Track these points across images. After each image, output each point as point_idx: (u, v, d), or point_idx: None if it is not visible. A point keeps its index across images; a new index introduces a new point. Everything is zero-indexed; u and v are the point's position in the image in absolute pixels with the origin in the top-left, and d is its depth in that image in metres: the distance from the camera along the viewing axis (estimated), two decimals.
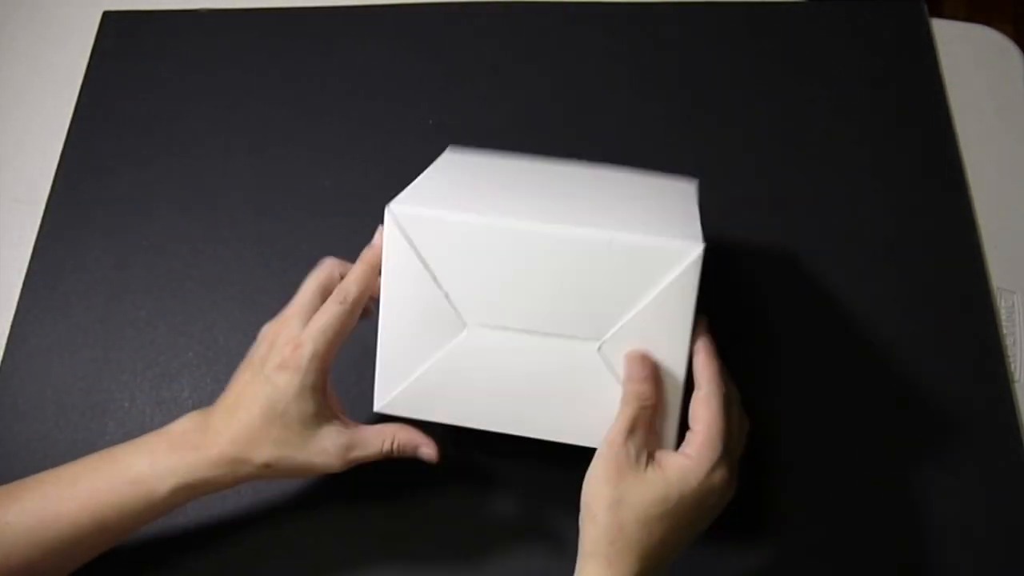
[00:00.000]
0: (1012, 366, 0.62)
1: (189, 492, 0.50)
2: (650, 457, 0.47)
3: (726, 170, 0.69)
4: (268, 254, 0.68)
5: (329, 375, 0.51)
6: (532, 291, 0.48)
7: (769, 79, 0.74)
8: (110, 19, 0.79)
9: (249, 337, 0.64)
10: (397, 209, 0.49)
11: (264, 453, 0.49)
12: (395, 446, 0.52)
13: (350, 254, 0.67)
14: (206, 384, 0.63)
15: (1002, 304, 0.64)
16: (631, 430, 0.47)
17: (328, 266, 0.53)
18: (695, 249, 0.45)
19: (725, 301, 0.64)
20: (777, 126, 0.71)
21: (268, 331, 0.53)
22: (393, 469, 0.54)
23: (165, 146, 0.73)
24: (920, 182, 0.69)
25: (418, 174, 0.71)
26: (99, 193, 0.71)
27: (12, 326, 0.66)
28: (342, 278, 0.52)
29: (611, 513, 0.45)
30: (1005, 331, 0.63)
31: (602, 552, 0.45)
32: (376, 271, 0.51)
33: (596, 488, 0.46)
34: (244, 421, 0.50)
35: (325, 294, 0.52)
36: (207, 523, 0.58)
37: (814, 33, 0.76)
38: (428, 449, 0.52)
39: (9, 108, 0.77)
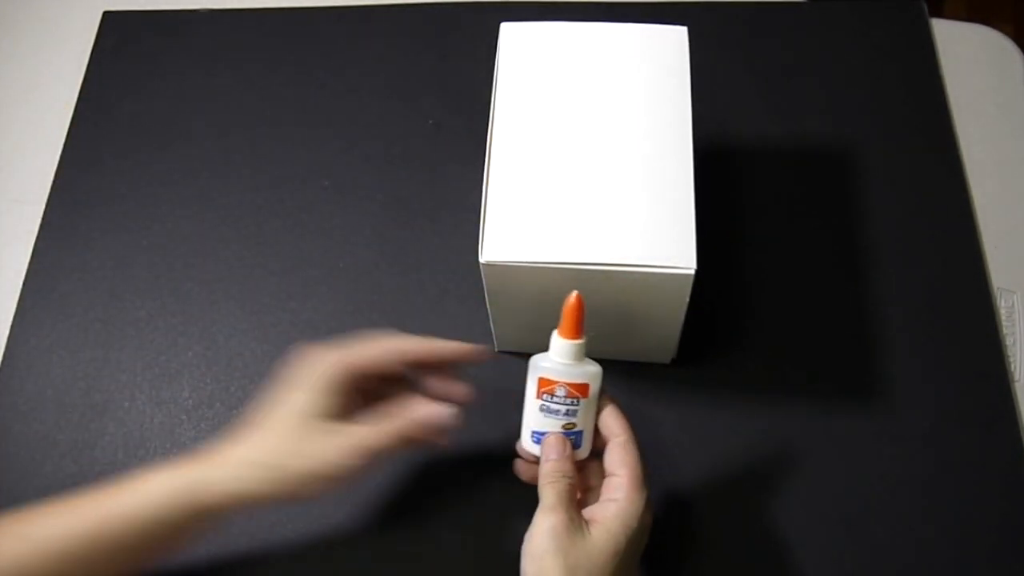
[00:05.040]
0: (1012, 366, 0.62)
1: (193, 498, 0.48)
2: (585, 521, 0.48)
3: (725, 170, 0.69)
4: (268, 254, 0.68)
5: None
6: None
7: (769, 79, 0.74)
8: (110, 19, 0.79)
9: (249, 337, 0.65)
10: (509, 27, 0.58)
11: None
12: (414, 418, 0.50)
13: (348, 254, 0.68)
14: (206, 384, 0.63)
15: (1002, 304, 0.64)
16: (561, 503, 0.48)
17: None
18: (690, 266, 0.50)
19: (725, 301, 0.64)
20: (776, 126, 0.71)
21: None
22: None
23: (165, 146, 0.73)
24: (920, 183, 0.69)
25: (419, 174, 0.71)
26: (99, 193, 0.71)
27: (12, 326, 0.66)
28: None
29: (556, 572, 0.45)
30: (1005, 331, 0.63)
31: None
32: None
33: (545, 562, 0.46)
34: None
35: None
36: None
37: (814, 33, 0.76)
38: (440, 411, 0.51)
39: (9, 108, 0.77)
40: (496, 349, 0.63)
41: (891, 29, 0.76)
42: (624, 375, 0.61)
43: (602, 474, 0.51)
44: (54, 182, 0.72)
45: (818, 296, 0.64)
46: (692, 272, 0.50)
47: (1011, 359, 0.62)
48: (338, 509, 0.59)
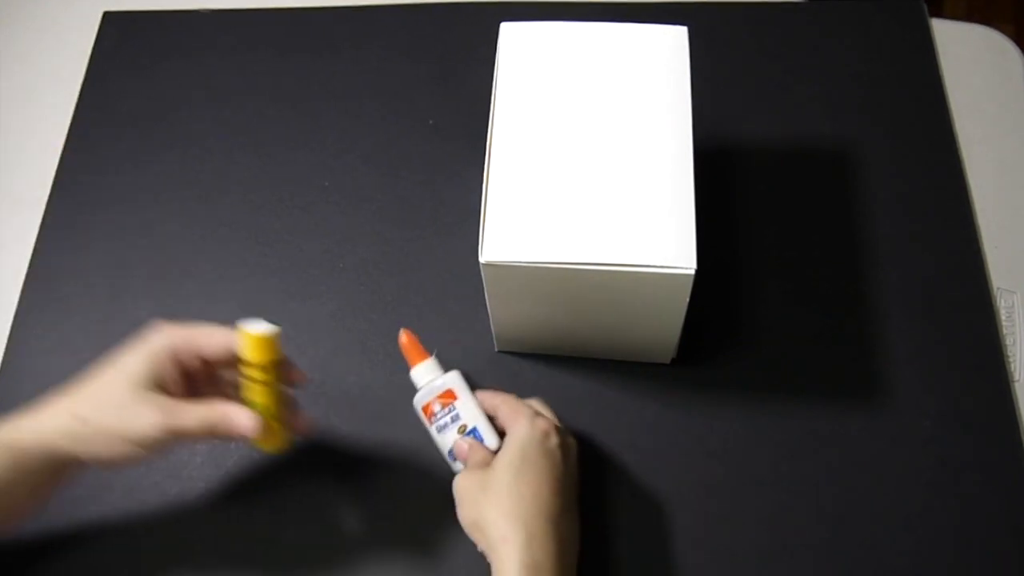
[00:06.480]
0: (1012, 366, 0.62)
1: (7, 446, 0.50)
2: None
3: (725, 170, 0.69)
4: (267, 254, 0.68)
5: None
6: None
7: (769, 79, 0.74)
8: (110, 19, 0.79)
9: None
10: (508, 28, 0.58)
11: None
12: (216, 413, 0.50)
13: (348, 254, 0.68)
14: None
15: (1002, 304, 0.64)
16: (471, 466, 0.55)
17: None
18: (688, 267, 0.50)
19: (725, 301, 0.64)
20: (776, 126, 0.71)
21: None
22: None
23: (165, 146, 0.73)
24: (920, 182, 0.69)
25: (418, 174, 0.71)
26: (99, 193, 0.71)
27: (12, 326, 0.66)
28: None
29: (478, 507, 0.51)
30: (1005, 331, 0.63)
31: (501, 538, 0.50)
32: None
33: (465, 501, 0.53)
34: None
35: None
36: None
37: (814, 33, 0.76)
38: (245, 418, 0.50)
39: (9, 108, 0.77)
40: (496, 349, 0.63)
41: (891, 29, 0.76)
42: (624, 375, 0.62)
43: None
44: (54, 182, 0.72)
45: (818, 296, 0.64)
46: (692, 272, 0.50)
47: (1011, 359, 0.62)
48: (333, 511, 0.59)
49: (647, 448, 0.60)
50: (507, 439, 0.54)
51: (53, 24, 0.81)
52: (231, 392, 0.54)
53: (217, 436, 0.51)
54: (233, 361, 0.52)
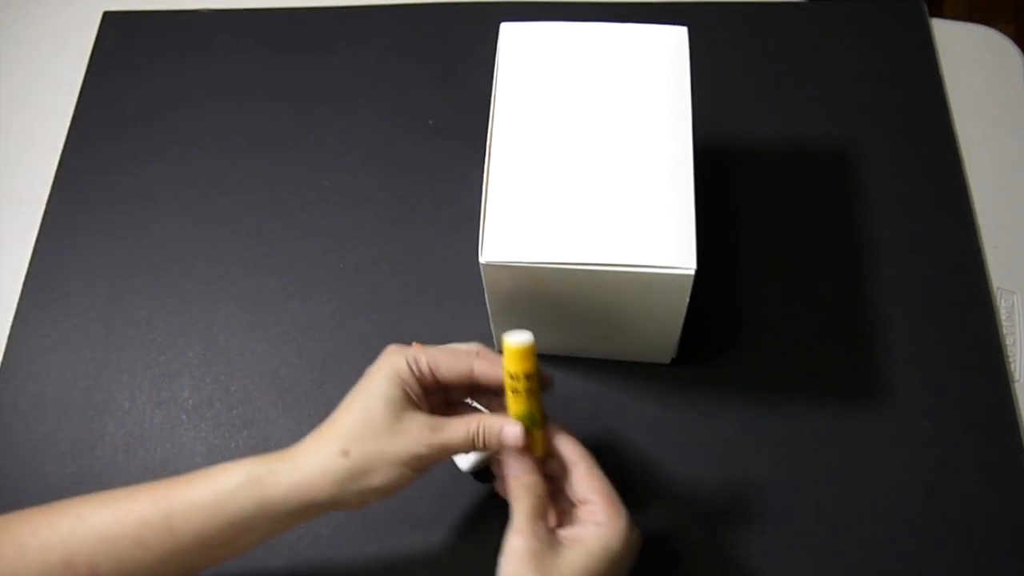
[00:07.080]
0: (1012, 366, 0.62)
1: (258, 489, 0.47)
2: (561, 538, 0.47)
3: (725, 170, 0.70)
4: (268, 254, 0.68)
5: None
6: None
7: (769, 79, 0.74)
8: (110, 19, 0.79)
9: (249, 337, 0.65)
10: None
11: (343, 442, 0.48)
12: (480, 426, 0.49)
13: (349, 254, 0.68)
14: (206, 384, 0.63)
15: (1002, 304, 0.64)
16: (531, 521, 0.47)
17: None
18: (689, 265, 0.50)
19: (725, 301, 0.64)
20: (776, 126, 0.71)
21: None
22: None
23: (165, 146, 0.73)
24: (920, 182, 0.69)
25: (418, 174, 0.71)
26: (99, 193, 0.71)
27: (12, 326, 0.66)
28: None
29: None
30: (1005, 331, 0.63)
31: None
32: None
33: None
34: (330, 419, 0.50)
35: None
36: None
37: (814, 33, 0.76)
38: (512, 428, 0.49)
39: (10, 108, 0.77)
40: (496, 349, 0.63)
41: (891, 29, 0.76)
42: (624, 375, 0.62)
43: (572, 498, 0.50)
44: (54, 182, 0.72)
45: (818, 296, 0.64)
46: (692, 272, 0.50)
47: (1011, 359, 0.62)
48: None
49: (647, 448, 0.60)
50: (601, 536, 0.47)
51: (53, 24, 0.81)
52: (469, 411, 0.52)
53: (481, 448, 0.49)
54: (466, 384, 0.51)
